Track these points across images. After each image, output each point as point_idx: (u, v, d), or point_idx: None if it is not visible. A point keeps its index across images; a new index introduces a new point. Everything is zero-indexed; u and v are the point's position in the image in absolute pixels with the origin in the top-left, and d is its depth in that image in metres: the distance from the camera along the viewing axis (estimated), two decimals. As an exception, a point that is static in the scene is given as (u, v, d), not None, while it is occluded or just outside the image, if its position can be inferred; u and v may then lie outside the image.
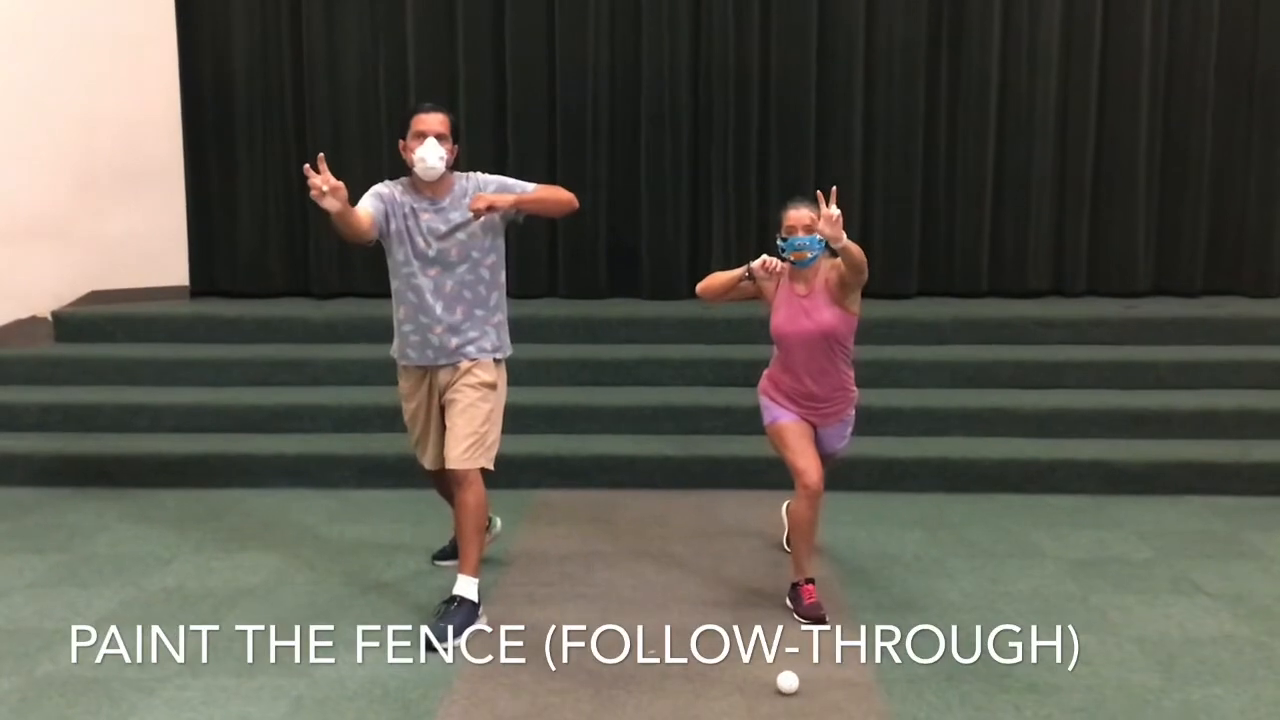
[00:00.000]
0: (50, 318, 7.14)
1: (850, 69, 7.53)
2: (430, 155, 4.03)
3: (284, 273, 7.82)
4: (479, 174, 4.27)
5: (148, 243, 7.67)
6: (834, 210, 3.89)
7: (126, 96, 7.45)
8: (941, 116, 7.62)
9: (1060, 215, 7.67)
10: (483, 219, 4.12)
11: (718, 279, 4.35)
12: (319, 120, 7.65)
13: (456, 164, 4.18)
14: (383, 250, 4.24)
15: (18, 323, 7.17)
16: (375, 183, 4.23)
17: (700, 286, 4.37)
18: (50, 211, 7.28)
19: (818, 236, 4.07)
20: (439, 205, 4.14)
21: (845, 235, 3.95)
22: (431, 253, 4.13)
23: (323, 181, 3.76)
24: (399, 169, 4.21)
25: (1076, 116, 7.58)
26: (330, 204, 3.79)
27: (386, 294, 4.28)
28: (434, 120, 4.08)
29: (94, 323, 7.09)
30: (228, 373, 6.62)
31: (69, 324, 7.08)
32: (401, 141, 4.14)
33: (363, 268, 7.42)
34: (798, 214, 4.16)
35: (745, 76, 7.52)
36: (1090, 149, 7.60)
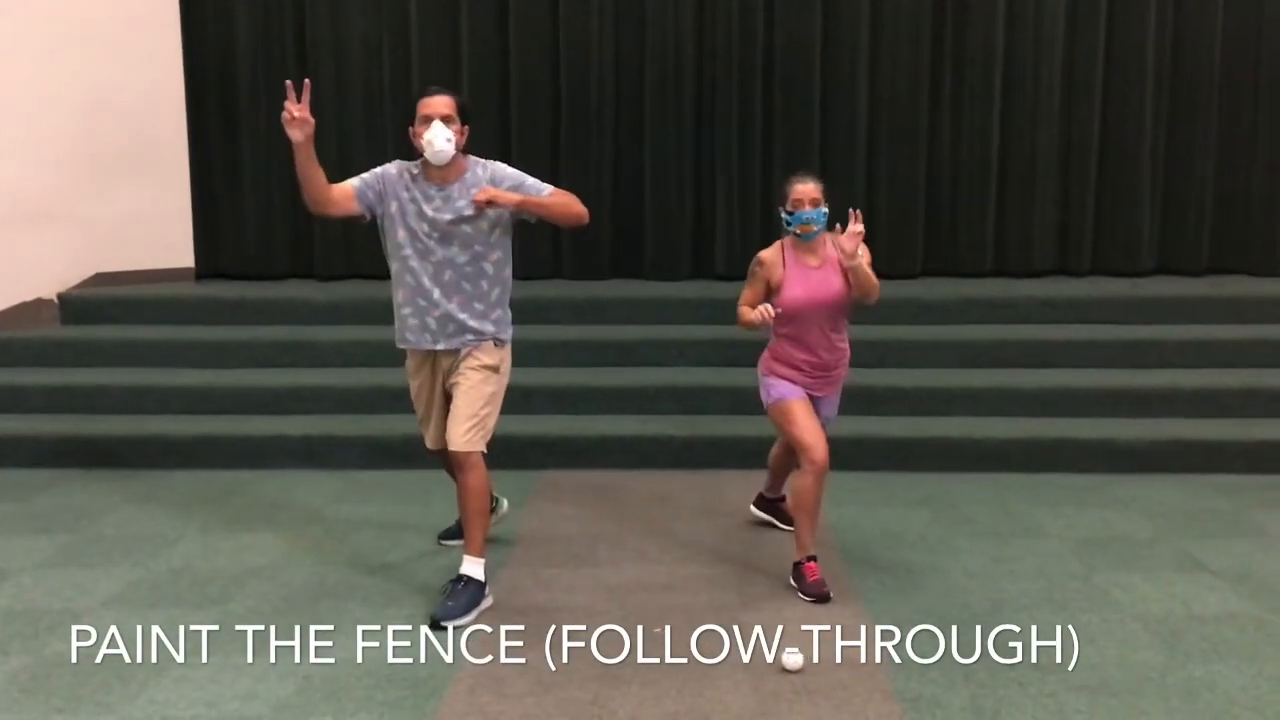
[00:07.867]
0: (56, 300, 7.16)
1: (854, 47, 7.51)
2: (438, 138, 3.99)
3: (288, 255, 7.83)
4: (499, 165, 4.19)
5: (152, 225, 7.68)
6: (859, 228, 4.05)
7: (131, 78, 7.44)
8: (946, 94, 7.61)
9: (1065, 194, 7.66)
10: (492, 213, 4.09)
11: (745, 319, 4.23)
12: (323, 102, 7.58)
13: (469, 148, 4.15)
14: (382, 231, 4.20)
15: (23, 305, 7.17)
16: (379, 163, 4.22)
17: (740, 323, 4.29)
18: (55, 194, 7.28)
19: (823, 210, 4.16)
20: (446, 192, 4.09)
21: (861, 256, 4.08)
22: (433, 240, 4.10)
23: (297, 109, 3.88)
24: (403, 149, 4.17)
25: (1081, 95, 7.56)
26: (293, 133, 3.92)
27: (390, 276, 4.24)
28: (439, 102, 4.04)
29: (99, 305, 7.11)
30: (233, 355, 6.64)
31: (74, 306, 7.10)
32: (411, 128, 4.10)
33: (367, 250, 7.42)
34: (804, 187, 4.18)
35: (749, 54, 7.50)
36: (1095, 127, 7.59)
